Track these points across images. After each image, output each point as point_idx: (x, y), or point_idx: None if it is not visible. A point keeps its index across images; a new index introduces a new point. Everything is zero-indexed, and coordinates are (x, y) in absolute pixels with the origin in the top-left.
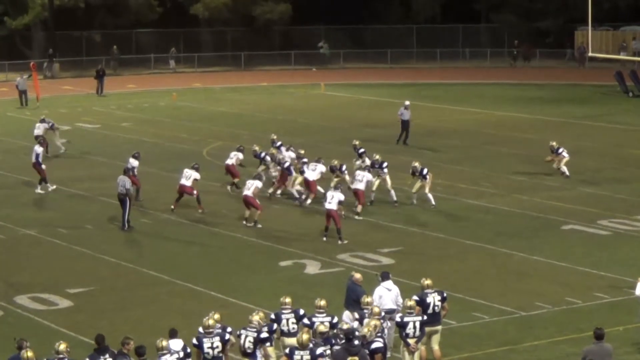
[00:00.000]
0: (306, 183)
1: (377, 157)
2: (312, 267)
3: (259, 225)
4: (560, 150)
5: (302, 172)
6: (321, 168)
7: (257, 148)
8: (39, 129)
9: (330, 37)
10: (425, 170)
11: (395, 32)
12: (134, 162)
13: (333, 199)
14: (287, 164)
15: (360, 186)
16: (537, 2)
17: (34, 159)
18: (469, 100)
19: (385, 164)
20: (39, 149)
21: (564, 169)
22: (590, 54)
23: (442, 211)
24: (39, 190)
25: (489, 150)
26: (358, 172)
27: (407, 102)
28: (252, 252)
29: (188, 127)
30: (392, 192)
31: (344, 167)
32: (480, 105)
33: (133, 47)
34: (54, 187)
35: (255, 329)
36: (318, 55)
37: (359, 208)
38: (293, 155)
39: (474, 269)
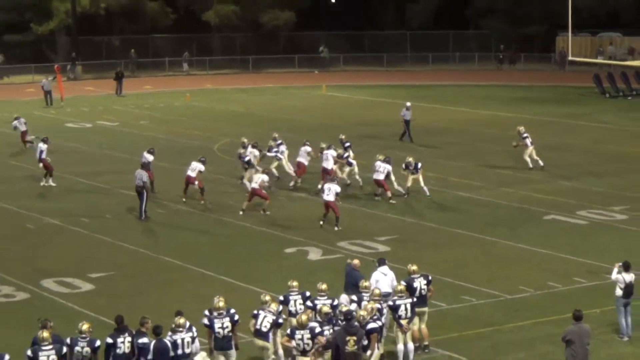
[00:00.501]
0: (324, 172)
1: (381, 157)
2: (315, 254)
3: (268, 213)
4: (525, 135)
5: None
6: (332, 153)
7: (245, 140)
8: (22, 125)
9: (331, 42)
10: (419, 165)
11: (390, 37)
12: (149, 157)
13: (330, 191)
14: (247, 158)
15: (381, 176)
16: (522, 10)
17: (38, 156)
18: (459, 101)
19: (388, 160)
20: (43, 145)
21: (537, 158)
22: (570, 58)
23: (435, 203)
24: (50, 183)
25: (478, 146)
26: (378, 163)
27: (409, 103)
28: (259, 240)
29: (200, 125)
30: (399, 186)
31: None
32: (470, 105)
33: (149, 51)
34: (45, 184)
35: (273, 313)
36: (320, 59)
37: (389, 194)
38: (309, 149)
39: (464, 256)
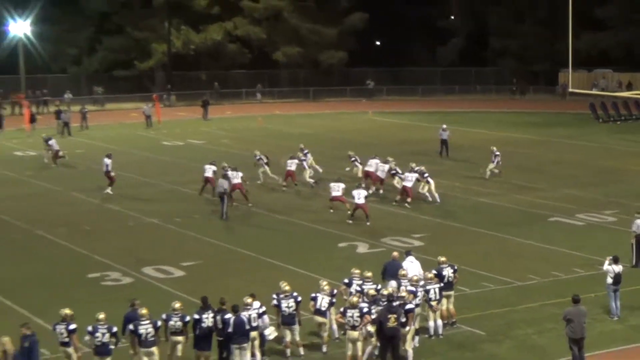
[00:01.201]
0: (374, 179)
1: (412, 165)
2: (362, 248)
3: (349, 212)
4: (497, 154)
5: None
6: (385, 167)
7: (257, 152)
8: (55, 145)
9: (376, 76)
10: (426, 174)
11: (424, 73)
12: (213, 167)
13: (360, 195)
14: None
15: (409, 184)
16: (531, 51)
17: (105, 169)
18: (479, 124)
19: (413, 169)
20: (107, 160)
21: (497, 170)
22: (570, 89)
23: (458, 206)
24: (108, 191)
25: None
26: (407, 174)
27: (444, 126)
28: (318, 235)
29: (270, 142)
30: (430, 194)
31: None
32: (488, 127)
33: (230, 84)
34: (112, 193)
35: (328, 295)
36: (367, 90)
37: (409, 199)
38: (386, 167)
39: (483, 250)
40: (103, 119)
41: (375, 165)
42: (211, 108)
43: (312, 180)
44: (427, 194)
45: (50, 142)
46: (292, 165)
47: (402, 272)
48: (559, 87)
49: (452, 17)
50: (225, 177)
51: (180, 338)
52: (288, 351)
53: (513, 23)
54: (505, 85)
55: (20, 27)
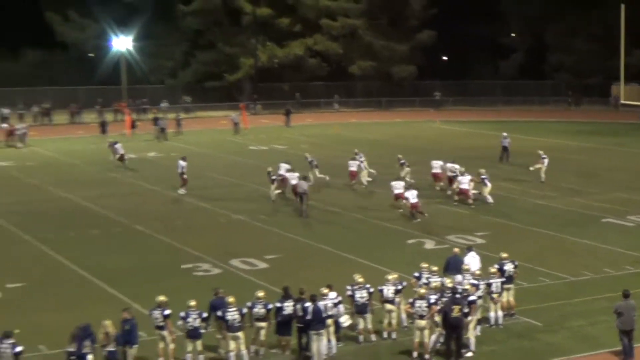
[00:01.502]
0: (443, 179)
1: (462, 169)
2: (429, 244)
3: (425, 215)
4: (544, 157)
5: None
6: (454, 166)
7: (307, 155)
8: (120, 149)
9: (443, 88)
10: (484, 177)
11: (487, 85)
12: (286, 166)
13: (413, 195)
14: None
15: (465, 186)
16: (585, 66)
17: (180, 170)
18: (537, 132)
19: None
20: (183, 162)
21: (543, 175)
22: (622, 101)
23: (516, 208)
24: (181, 192)
25: (551, 166)
26: (460, 177)
27: (505, 134)
28: (388, 233)
29: (345, 148)
30: (488, 196)
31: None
32: (546, 135)
33: (310, 94)
34: (184, 193)
35: (393, 284)
36: (434, 101)
37: (470, 200)
38: (457, 166)
39: (540, 248)
40: (195, 126)
41: (440, 167)
42: (293, 116)
43: (369, 178)
44: (489, 196)
45: (116, 146)
46: (353, 166)
47: (465, 266)
48: (612, 99)
49: (513, 35)
50: (305, 178)
51: (263, 324)
52: (361, 337)
53: (569, 40)
54: (562, 97)
55: (123, 43)
